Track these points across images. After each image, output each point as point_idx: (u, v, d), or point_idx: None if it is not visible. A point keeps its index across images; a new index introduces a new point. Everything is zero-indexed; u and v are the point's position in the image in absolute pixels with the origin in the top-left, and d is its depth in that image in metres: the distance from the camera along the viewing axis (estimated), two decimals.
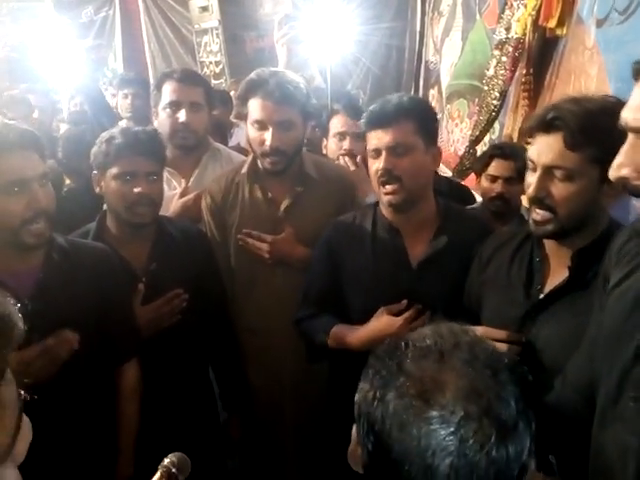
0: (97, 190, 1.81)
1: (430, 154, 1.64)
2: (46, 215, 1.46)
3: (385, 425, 0.75)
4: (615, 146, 1.19)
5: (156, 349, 1.78)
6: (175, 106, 2.20)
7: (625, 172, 0.91)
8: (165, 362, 1.82)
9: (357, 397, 0.82)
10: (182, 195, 2.18)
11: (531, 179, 1.30)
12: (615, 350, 1.02)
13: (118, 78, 3.89)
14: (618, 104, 1.25)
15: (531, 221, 1.34)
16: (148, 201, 1.74)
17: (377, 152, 1.60)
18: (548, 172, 1.26)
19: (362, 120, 1.64)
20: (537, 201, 1.29)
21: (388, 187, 1.60)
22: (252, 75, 1.93)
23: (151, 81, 5.30)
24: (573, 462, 1.17)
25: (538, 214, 1.30)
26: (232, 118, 3.39)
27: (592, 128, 1.19)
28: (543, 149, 1.26)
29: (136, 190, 1.71)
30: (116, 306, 1.64)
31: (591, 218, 1.30)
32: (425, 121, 1.62)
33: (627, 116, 0.89)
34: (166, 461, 1.03)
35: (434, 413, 0.72)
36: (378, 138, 1.59)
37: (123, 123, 3.15)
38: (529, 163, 1.31)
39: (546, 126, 1.25)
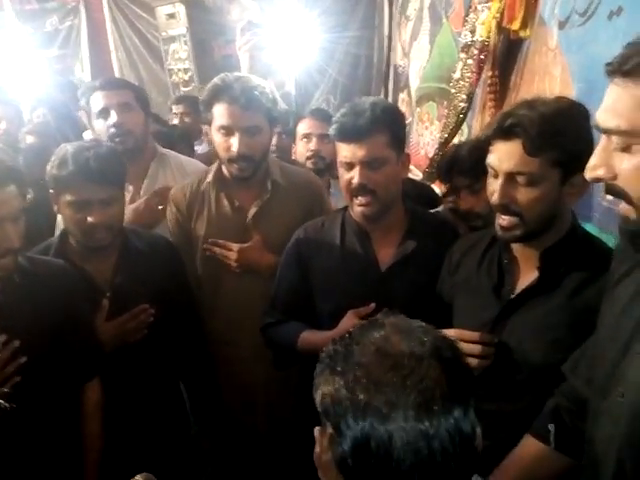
0: (55, 209, 1.75)
1: (401, 163, 1.64)
2: (14, 251, 1.43)
3: (354, 399, 0.77)
4: (573, 147, 1.21)
5: (124, 363, 1.75)
6: (105, 112, 2.16)
7: (600, 173, 0.91)
8: (134, 376, 1.78)
9: (318, 398, 0.83)
10: (131, 202, 2.13)
11: (494, 186, 1.30)
12: (608, 343, 1.04)
13: (83, 88, 3.84)
14: (572, 105, 1.27)
15: (498, 227, 1.34)
16: (104, 227, 1.69)
17: (350, 165, 1.58)
18: (510, 178, 1.27)
19: (332, 128, 1.60)
20: (502, 208, 1.30)
21: (361, 199, 1.60)
22: (216, 80, 1.90)
23: None
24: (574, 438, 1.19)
25: (504, 220, 1.31)
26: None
27: (550, 132, 1.21)
28: (503, 156, 1.27)
29: (90, 219, 1.66)
30: (77, 324, 1.60)
31: (556, 218, 1.31)
32: (397, 132, 1.61)
33: (599, 117, 0.90)
34: None
35: (391, 362, 0.78)
36: (351, 152, 1.56)
37: (88, 134, 3.09)
38: (490, 170, 1.32)
39: (504, 133, 1.26)
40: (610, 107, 0.88)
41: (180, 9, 5.25)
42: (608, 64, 0.88)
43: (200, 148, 3.68)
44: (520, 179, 1.26)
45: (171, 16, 5.37)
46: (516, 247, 1.40)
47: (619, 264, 1.11)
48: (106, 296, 1.74)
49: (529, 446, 1.24)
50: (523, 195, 1.26)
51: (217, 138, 1.90)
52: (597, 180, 0.92)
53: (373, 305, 1.60)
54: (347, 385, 0.78)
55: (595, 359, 1.11)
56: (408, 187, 2.44)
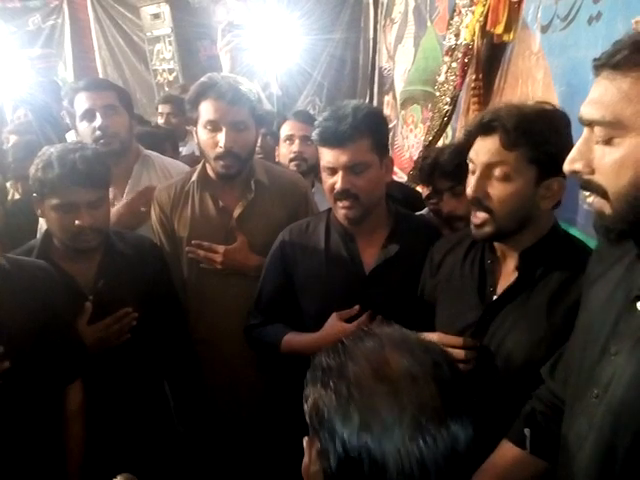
0: (38, 213, 1.73)
1: (384, 166, 1.64)
2: None
3: (347, 418, 0.75)
4: (550, 148, 1.23)
5: (108, 366, 1.74)
6: (89, 114, 2.13)
7: (577, 166, 0.92)
8: (117, 378, 1.77)
9: (308, 403, 0.82)
10: (113, 203, 2.11)
11: (471, 180, 1.32)
12: (585, 345, 1.05)
13: (66, 89, 3.80)
14: (554, 110, 1.29)
15: (472, 225, 1.36)
16: (91, 230, 1.68)
17: (332, 170, 1.58)
18: (487, 172, 1.29)
19: (315, 133, 1.60)
20: (476, 202, 1.32)
21: (345, 202, 1.60)
22: (203, 79, 1.90)
23: None
24: (550, 441, 1.20)
25: (477, 217, 1.33)
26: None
27: (527, 128, 1.24)
28: (481, 149, 1.30)
29: (77, 222, 1.64)
30: (58, 326, 1.58)
31: (531, 220, 1.32)
32: (380, 136, 1.61)
33: (583, 110, 0.91)
34: None
35: (387, 387, 0.75)
36: (334, 157, 1.56)
37: (71, 135, 3.06)
38: (470, 165, 1.34)
39: (484, 129, 1.29)
40: (596, 99, 0.88)
41: (165, 9, 5.22)
42: (596, 59, 0.89)
43: (184, 149, 3.67)
44: (496, 172, 1.28)
45: (156, 16, 5.34)
46: (499, 247, 1.41)
47: (595, 265, 1.12)
48: (89, 299, 1.72)
49: (505, 451, 1.25)
50: (497, 190, 1.28)
51: (203, 135, 1.89)
52: (574, 173, 0.93)
53: (357, 307, 1.61)
54: (340, 404, 0.76)
55: (572, 361, 1.11)
56: (394, 190, 2.46)
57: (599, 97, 0.88)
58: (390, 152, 2.82)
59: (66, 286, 1.67)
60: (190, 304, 2.01)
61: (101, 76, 5.97)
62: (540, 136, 1.23)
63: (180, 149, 3.52)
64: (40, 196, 1.67)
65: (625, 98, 0.84)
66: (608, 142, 0.87)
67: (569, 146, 1.26)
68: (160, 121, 3.81)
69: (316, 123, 1.61)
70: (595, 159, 0.90)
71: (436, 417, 0.74)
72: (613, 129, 0.86)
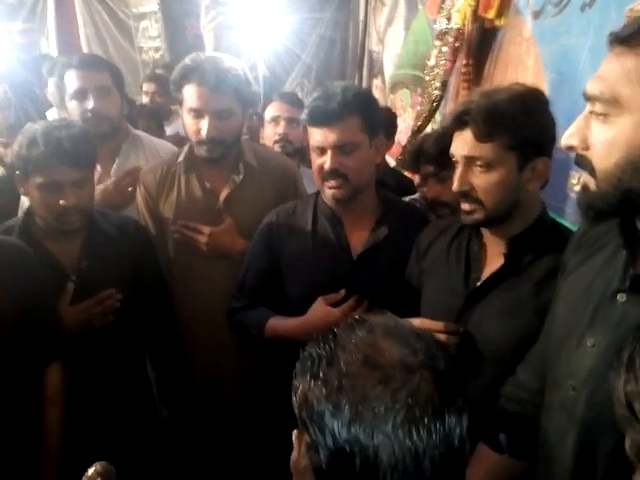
0: (21, 191, 1.69)
1: (374, 147, 1.63)
2: None
3: (338, 410, 0.73)
4: (526, 132, 1.23)
5: (90, 347, 1.72)
6: (81, 94, 2.08)
7: (573, 142, 0.91)
8: (100, 361, 1.75)
9: (297, 395, 0.79)
10: (98, 182, 2.07)
11: (455, 174, 1.33)
12: (562, 336, 1.05)
13: (47, 65, 3.71)
14: (526, 92, 1.29)
15: (462, 212, 1.37)
16: (76, 210, 1.64)
17: (322, 150, 1.57)
18: (468, 165, 1.30)
19: (304, 113, 1.59)
20: (463, 195, 1.33)
21: (332, 182, 1.59)
22: (187, 60, 1.85)
23: None
24: (527, 442, 1.20)
25: (465, 205, 1.34)
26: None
27: (499, 118, 1.24)
28: (459, 143, 1.31)
29: (62, 202, 1.61)
30: (36, 306, 1.54)
31: (519, 205, 1.33)
32: (370, 115, 1.59)
33: (588, 85, 0.90)
34: (90, 471, 0.98)
35: (379, 374, 0.73)
36: (323, 136, 1.55)
37: (53, 112, 3.00)
38: (453, 159, 1.35)
39: (458, 122, 1.30)
40: (601, 75, 0.87)
41: None
42: (611, 33, 0.88)
43: (169, 129, 3.61)
44: (477, 164, 1.28)
45: None
46: (485, 234, 1.41)
47: (571, 255, 1.12)
48: (71, 279, 1.69)
49: (484, 457, 1.25)
50: (481, 180, 1.29)
51: (187, 120, 1.86)
52: (570, 148, 0.92)
53: (343, 292, 1.60)
54: (330, 395, 0.73)
55: (548, 351, 1.11)
56: (388, 176, 2.46)
57: (604, 73, 0.87)
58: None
59: (48, 266, 1.64)
60: (175, 286, 1.99)
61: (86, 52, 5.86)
62: (513, 122, 1.23)
63: (165, 128, 3.46)
64: (24, 174, 1.63)
65: (626, 76, 0.83)
66: (604, 120, 0.87)
67: (548, 124, 1.26)
68: (145, 100, 3.74)
69: (306, 104, 1.60)
70: (591, 136, 0.89)
71: (431, 408, 0.72)
72: (609, 106, 0.85)
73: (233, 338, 1.83)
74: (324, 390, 0.74)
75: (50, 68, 3.60)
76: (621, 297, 0.93)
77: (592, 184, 0.89)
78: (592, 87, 0.88)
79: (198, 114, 1.82)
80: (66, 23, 5.93)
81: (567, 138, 0.92)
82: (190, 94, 1.82)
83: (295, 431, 0.82)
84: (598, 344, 0.95)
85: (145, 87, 3.80)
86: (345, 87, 1.57)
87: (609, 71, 0.85)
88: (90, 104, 2.07)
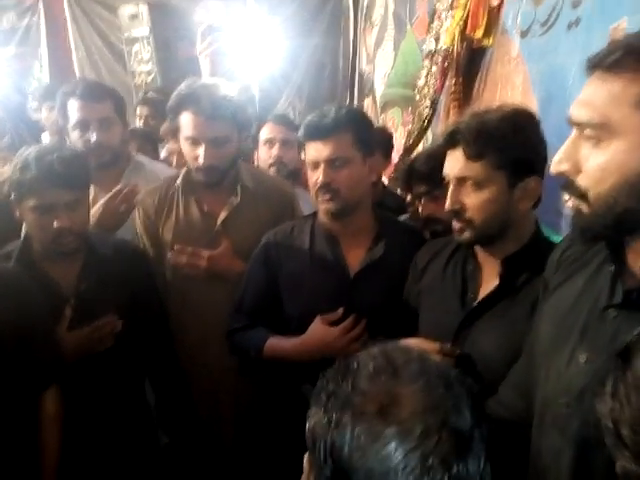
0: (17, 215, 1.70)
1: (367, 165, 1.66)
2: None
3: (344, 449, 0.72)
4: (516, 151, 1.25)
5: (89, 372, 1.71)
6: (84, 125, 2.10)
7: (564, 167, 0.91)
8: (99, 386, 1.74)
9: (310, 424, 0.79)
10: (92, 204, 2.09)
11: (448, 193, 1.36)
12: (551, 353, 1.04)
13: (42, 90, 3.73)
14: (516, 112, 1.32)
15: (454, 231, 1.39)
16: (70, 232, 1.65)
17: (315, 164, 1.62)
18: (459, 184, 1.33)
19: (300, 132, 1.65)
20: (454, 214, 1.35)
21: (325, 196, 1.62)
22: (182, 87, 1.87)
23: None
24: (513, 464, 1.18)
25: (457, 224, 1.36)
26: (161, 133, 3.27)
27: (488, 137, 1.26)
28: (450, 163, 1.34)
29: (56, 224, 1.62)
30: (31, 331, 1.54)
31: (512, 224, 1.34)
32: (362, 133, 1.63)
33: (572, 110, 0.90)
34: None
35: (394, 429, 0.70)
36: (316, 150, 1.60)
37: (46, 136, 3.01)
38: (445, 178, 1.37)
39: (450, 142, 1.33)
40: (585, 100, 0.88)
41: (143, 9, 5.16)
42: (589, 59, 0.88)
43: (164, 151, 3.62)
44: (468, 184, 1.31)
45: (134, 17, 5.27)
46: (480, 254, 1.42)
47: (553, 275, 1.12)
48: (70, 303, 1.69)
49: None
50: (472, 199, 1.31)
51: (184, 147, 1.89)
52: (561, 174, 0.92)
53: (341, 310, 1.62)
54: (342, 436, 0.72)
55: (535, 370, 1.10)
56: (388, 199, 2.49)
57: (589, 98, 0.87)
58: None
59: (46, 290, 1.65)
60: (173, 309, 1.99)
61: (78, 77, 5.89)
62: (503, 142, 1.26)
63: (160, 151, 3.48)
64: (18, 198, 1.64)
65: (615, 101, 0.83)
66: (595, 144, 0.86)
67: (539, 144, 1.28)
68: (139, 123, 3.76)
69: (302, 123, 1.65)
70: (582, 160, 0.89)
71: (445, 470, 0.69)
72: (601, 131, 0.85)
73: (232, 361, 1.83)
74: (335, 432, 0.73)
75: (44, 93, 3.63)
76: (612, 312, 0.93)
77: (584, 207, 0.89)
78: (579, 113, 0.88)
79: (195, 142, 1.84)
80: (59, 47, 5.96)
81: (557, 164, 0.92)
82: (186, 122, 1.84)
83: (306, 455, 0.82)
84: (592, 360, 0.94)
85: (139, 110, 3.82)
86: (340, 106, 1.65)
87: (595, 96, 0.86)
88: (93, 136, 2.09)
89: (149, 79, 5.43)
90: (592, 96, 0.86)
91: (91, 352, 1.70)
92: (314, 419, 0.78)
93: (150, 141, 3.16)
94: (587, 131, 0.87)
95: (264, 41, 3.44)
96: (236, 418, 2.00)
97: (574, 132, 0.90)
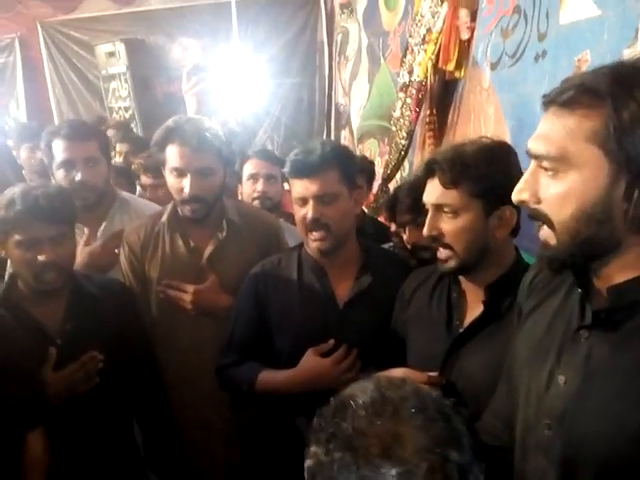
0: (2, 254, 1.70)
1: (353, 199, 1.69)
2: None
3: None
4: (491, 180, 1.29)
5: (75, 412, 1.68)
6: (69, 165, 2.11)
7: (525, 196, 0.95)
8: (85, 425, 1.72)
9: (309, 462, 0.79)
10: (86, 244, 2.09)
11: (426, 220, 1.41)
12: (530, 377, 1.06)
13: (19, 129, 3.73)
14: (494, 143, 1.37)
15: (438, 260, 1.42)
16: (55, 267, 1.66)
17: (303, 200, 1.63)
18: (437, 211, 1.37)
19: (286, 167, 1.67)
20: (433, 240, 1.40)
21: (316, 234, 1.64)
22: (169, 122, 1.92)
23: None
24: None
25: (441, 253, 1.40)
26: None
27: (462, 166, 1.31)
28: (429, 191, 1.39)
29: (40, 258, 1.62)
30: (15, 373, 1.51)
31: (491, 252, 1.38)
32: (347, 168, 1.66)
33: (530, 144, 0.94)
34: None
35: (399, 469, 0.71)
36: (304, 187, 1.62)
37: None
38: (425, 206, 1.42)
39: (428, 172, 1.39)
40: (542, 134, 0.92)
41: (120, 48, 5.22)
42: (545, 96, 0.93)
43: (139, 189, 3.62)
44: (445, 211, 1.35)
45: (111, 54, 5.33)
46: (463, 282, 1.46)
47: (525, 300, 1.15)
48: (55, 343, 1.68)
49: None
50: (449, 225, 1.36)
51: (170, 179, 1.91)
52: (522, 203, 0.96)
53: (332, 341, 1.62)
54: (345, 479, 0.73)
55: (514, 394, 1.11)
56: (367, 224, 2.53)
57: (546, 132, 0.91)
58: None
59: (31, 330, 1.63)
60: (160, 346, 1.98)
61: (55, 115, 5.90)
62: (477, 171, 1.31)
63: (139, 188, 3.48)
64: (4, 235, 1.65)
65: (570, 135, 0.88)
66: (553, 175, 0.91)
67: (514, 174, 1.33)
68: (119, 160, 3.78)
69: (287, 158, 1.67)
70: (541, 190, 0.93)
71: None
72: (558, 163, 0.89)
73: (221, 396, 1.81)
74: (339, 474, 0.73)
75: (21, 133, 3.63)
76: (584, 333, 0.96)
77: (552, 239, 0.93)
78: (537, 147, 0.92)
79: (180, 173, 1.87)
80: (35, 86, 5.97)
81: (517, 193, 0.96)
82: (172, 154, 1.87)
83: None
84: (570, 382, 0.96)
85: (119, 147, 3.84)
86: (324, 142, 1.67)
87: (552, 131, 0.90)
88: (78, 176, 2.09)
89: (127, 115, 5.47)
90: (549, 131, 0.91)
91: (77, 392, 1.68)
92: (315, 459, 0.78)
93: (126, 176, 3.16)
94: (545, 163, 0.91)
95: (248, 79, 3.52)
96: (227, 455, 1.98)
97: (533, 163, 0.95)
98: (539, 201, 0.93)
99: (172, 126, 1.88)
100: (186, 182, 1.85)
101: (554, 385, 0.99)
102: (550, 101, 0.91)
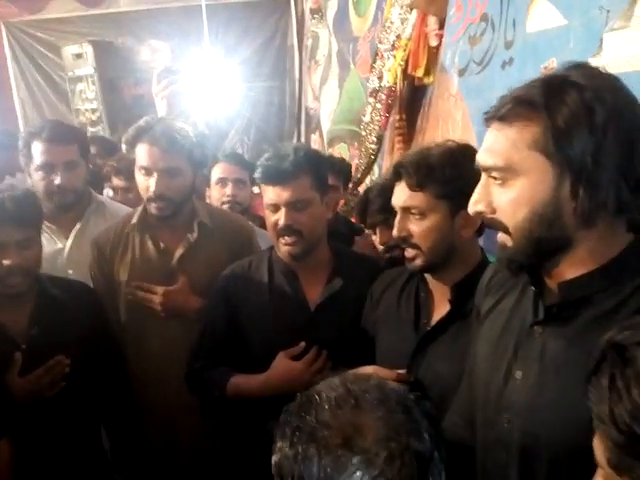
0: None
1: (325, 204, 1.70)
2: None
3: None
4: (455, 182, 1.34)
5: (42, 416, 1.66)
6: (48, 168, 2.08)
7: (480, 207, 1.00)
8: (52, 430, 1.69)
9: (276, 458, 0.81)
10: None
11: (395, 222, 1.44)
12: (489, 374, 1.10)
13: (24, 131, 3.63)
14: (459, 147, 1.41)
15: (406, 259, 1.46)
16: (21, 271, 1.63)
17: (275, 207, 1.63)
18: (405, 213, 1.42)
19: (257, 172, 1.65)
20: (402, 241, 1.44)
21: (287, 239, 1.64)
22: (141, 121, 1.92)
23: (21, 129, 5.04)
24: None
25: (408, 252, 1.44)
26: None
27: (427, 169, 1.36)
28: (397, 194, 1.43)
29: (5, 262, 1.60)
30: None
31: (457, 252, 1.42)
32: (319, 174, 1.67)
33: (479, 158, 1.00)
34: None
35: (359, 458, 0.74)
36: (276, 194, 1.61)
37: None
38: (395, 209, 1.45)
39: (395, 175, 1.43)
40: (488, 148, 0.97)
41: (88, 49, 5.14)
42: (486, 113, 0.99)
43: (107, 192, 3.57)
44: (413, 212, 1.40)
45: (78, 56, 5.24)
46: (431, 281, 1.49)
47: (483, 300, 1.20)
48: (20, 348, 1.65)
49: None
50: (416, 226, 1.40)
51: (139, 178, 1.90)
52: (479, 214, 1.02)
53: (303, 344, 1.63)
54: (312, 471, 0.75)
55: (475, 391, 1.15)
56: (339, 223, 2.56)
57: (491, 145, 0.97)
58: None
59: None
60: (129, 349, 1.96)
61: (20, 117, 5.78)
62: (442, 173, 1.35)
63: (106, 190, 3.43)
64: None
65: (513, 145, 0.93)
66: (503, 184, 0.96)
67: (477, 177, 1.37)
68: None
69: (258, 163, 1.66)
70: (494, 200, 0.98)
71: None
72: (505, 173, 0.95)
73: (190, 399, 1.79)
74: (303, 465, 0.76)
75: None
76: (537, 329, 1.01)
77: (508, 241, 0.99)
78: (485, 160, 0.98)
79: (148, 172, 1.87)
80: None
81: (473, 205, 1.01)
82: (141, 153, 1.87)
83: None
84: (526, 376, 1.01)
85: None
86: (296, 147, 1.65)
87: (496, 144, 0.96)
88: (57, 179, 2.06)
89: (94, 117, 5.39)
90: (493, 144, 0.97)
91: (43, 397, 1.65)
92: (280, 453, 0.80)
93: (92, 180, 3.10)
94: (494, 174, 0.97)
95: (219, 82, 3.51)
96: (195, 458, 1.96)
97: (483, 176, 1.00)
98: (494, 210, 0.99)
99: (143, 125, 1.88)
100: (152, 181, 1.85)
101: (512, 380, 1.03)
102: (491, 117, 0.97)
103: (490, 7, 2.17)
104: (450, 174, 1.34)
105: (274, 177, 1.61)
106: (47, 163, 2.08)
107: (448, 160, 1.36)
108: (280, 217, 1.61)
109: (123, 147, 1.96)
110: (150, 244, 1.94)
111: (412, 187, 1.37)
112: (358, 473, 0.73)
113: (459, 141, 1.46)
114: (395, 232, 1.43)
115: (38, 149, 2.08)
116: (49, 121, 2.45)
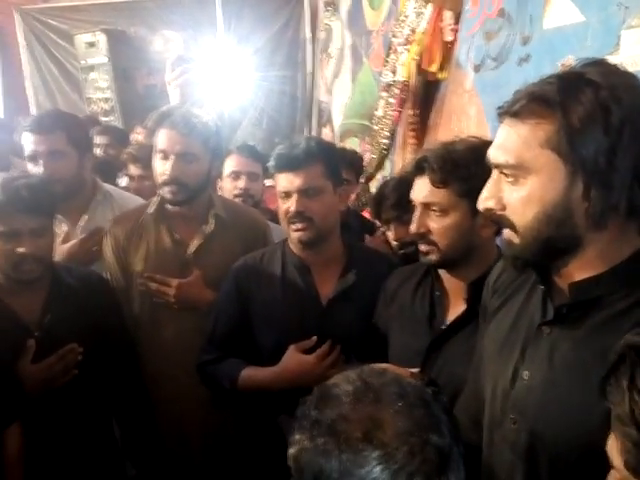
0: None
1: (337, 194, 1.70)
2: None
3: (332, 475, 0.74)
4: (479, 180, 1.31)
5: (54, 405, 1.67)
6: (33, 158, 2.07)
7: (490, 204, 0.99)
8: (64, 419, 1.71)
9: (293, 450, 0.80)
10: (65, 241, 2.06)
11: (414, 217, 1.43)
12: (496, 374, 1.09)
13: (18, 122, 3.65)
14: (482, 144, 1.39)
15: (420, 253, 1.45)
16: (34, 259, 1.64)
17: (287, 194, 1.63)
18: (425, 209, 1.40)
19: (271, 162, 1.66)
20: (420, 237, 1.42)
21: (298, 225, 1.64)
22: (163, 108, 1.97)
23: None
24: None
25: (423, 247, 1.43)
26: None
27: (453, 166, 1.34)
28: (417, 189, 1.42)
29: (20, 250, 1.61)
30: None
31: (475, 250, 1.41)
32: (332, 164, 1.67)
33: (490, 154, 0.99)
34: None
35: (379, 452, 0.73)
36: (289, 181, 1.62)
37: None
38: (413, 203, 1.44)
39: (417, 169, 1.41)
40: (500, 145, 0.96)
41: (101, 38, 5.15)
42: (499, 108, 0.98)
43: (121, 181, 3.58)
44: (433, 209, 1.38)
45: (91, 45, 5.25)
46: (446, 279, 1.48)
47: (490, 300, 1.19)
48: (34, 336, 1.66)
49: None
50: (436, 223, 1.39)
51: (156, 163, 1.91)
52: (488, 211, 1.01)
53: (315, 339, 1.62)
54: (329, 463, 0.75)
55: (483, 391, 1.14)
56: (351, 217, 2.55)
57: (503, 142, 0.96)
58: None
59: (9, 322, 1.61)
60: (142, 340, 1.96)
61: (32, 105, 5.79)
62: (466, 171, 1.33)
63: (118, 180, 3.44)
64: None
65: (525, 143, 0.92)
66: (514, 182, 0.95)
67: None
68: (98, 152, 3.72)
69: (272, 154, 1.67)
70: (504, 197, 0.97)
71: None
72: (517, 170, 0.94)
73: (201, 391, 1.80)
74: (322, 459, 0.76)
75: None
76: (546, 329, 1.00)
77: (515, 238, 0.98)
78: (496, 157, 0.97)
79: (165, 155, 1.87)
80: (12, 76, 5.86)
81: (483, 202, 1.00)
82: (160, 137, 1.88)
83: None
84: (534, 376, 1.00)
85: (98, 140, 3.76)
86: (309, 137, 1.68)
87: (508, 141, 0.94)
88: (40, 169, 2.04)
89: (107, 106, 5.40)
90: (505, 141, 0.95)
91: (55, 385, 1.67)
92: (298, 446, 0.79)
93: (103, 170, 3.10)
94: (505, 171, 0.96)
95: (232, 72, 3.50)
96: (205, 449, 1.97)
97: (494, 173, 0.99)
98: (504, 207, 0.98)
99: (164, 111, 1.92)
100: (168, 165, 1.86)
101: (519, 380, 1.02)
102: (503, 112, 0.96)
103: (507, 3, 2.16)
104: (474, 172, 1.31)
105: (286, 164, 1.62)
106: (32, 153, 2.06)
107: (473, 157, 1.33)
108: (291, 204, 1.62)
109: (131, 138, 1.98)
110: (166, 235, 1.94)
111: (435, 183, 1.35)
112: (378, 467, 0.73)
113: (481, 137, 1.45)
114: (413, 227, 1.42)
115: (25, 140, 2.08)
116: (43, 112, 2.44)
